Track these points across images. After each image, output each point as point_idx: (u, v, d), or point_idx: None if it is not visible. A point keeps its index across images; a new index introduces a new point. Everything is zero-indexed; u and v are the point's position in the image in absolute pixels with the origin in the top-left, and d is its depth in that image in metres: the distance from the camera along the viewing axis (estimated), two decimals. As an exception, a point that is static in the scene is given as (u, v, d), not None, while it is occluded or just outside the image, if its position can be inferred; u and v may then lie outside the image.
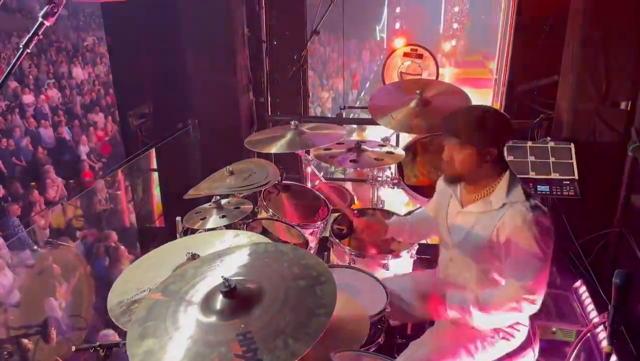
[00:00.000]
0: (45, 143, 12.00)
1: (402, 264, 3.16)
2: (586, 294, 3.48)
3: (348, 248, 3.14)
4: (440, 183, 2.61)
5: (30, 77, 14.03)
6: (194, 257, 1.92)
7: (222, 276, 1.59)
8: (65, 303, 4.95)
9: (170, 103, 4.87)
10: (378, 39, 17.62)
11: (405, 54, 4.41)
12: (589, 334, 3.14)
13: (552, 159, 3.57)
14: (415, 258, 3.21)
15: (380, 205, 3.75)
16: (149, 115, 5.06)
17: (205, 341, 1.50)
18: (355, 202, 3.85)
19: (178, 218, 2.83)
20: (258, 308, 1.56)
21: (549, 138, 3.79)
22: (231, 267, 1.76)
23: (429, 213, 2.76)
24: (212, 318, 1.56)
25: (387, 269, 3.08)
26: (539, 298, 2.18)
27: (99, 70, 15.33)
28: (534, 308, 2.20)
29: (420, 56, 4.39)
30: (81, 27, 17.61)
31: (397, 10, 15.85)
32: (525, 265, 2.16)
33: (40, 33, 1.46)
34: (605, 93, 3.63)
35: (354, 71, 16.46)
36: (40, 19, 1.45)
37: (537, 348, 2.61)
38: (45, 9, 1.46)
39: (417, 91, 3.61)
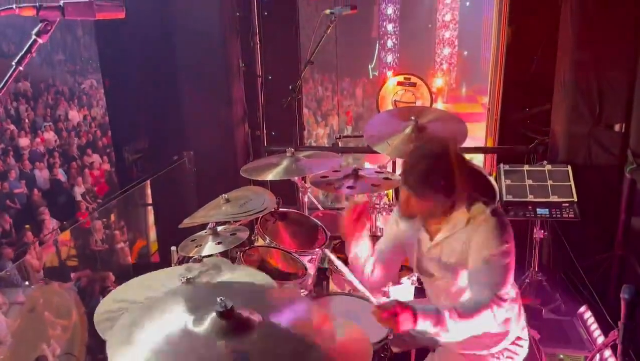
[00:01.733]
0: (40, 186, 11.95)
1: (403, 291, 3.09)
2: (592, 319, 3.41)
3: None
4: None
5: (27, 120, 14.12)
6: (188, 281, 1.86)
7: (219, 298, 1.53)
8: (58, 341, 4.81)
9: (166, 137, 4.88)
10: (371, 77, 17.91)
11: (399, 83, 4.46)
12: (597, 356, 3.07)
13: (550, 182, 3.56)
14: (416, 285, 3.15)
15: (379, 233, 3.70)
16: (144, 150, 5.05)
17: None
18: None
19: (173, 248, 2.78)
20: (255, 333, 1.49)
21: (545, 162, 3.79)
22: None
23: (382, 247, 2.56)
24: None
25: (388, 296, 3.02)
26: (506, 296, 2.11)
27: (95, 113, 15.45)
28: (503, 310, 2.11)
29: (413, 84, 4.43)
30: (78, 72, 17.84)
31: (389, 44, 16.22)
32: (493, 269, 2.11)
33: (33, 51, 1.45)
34: (598, 115, 3.65)
35: (348, 108, 16.65)
36: (33, 37, 1.44)
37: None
38: (38, 27, 1.45)
39: (412, 117, 3.61)
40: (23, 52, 1.47)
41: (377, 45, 18.20)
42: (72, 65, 18.06)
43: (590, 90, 3.63)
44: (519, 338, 2.38)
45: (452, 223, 2.20)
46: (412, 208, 2.17)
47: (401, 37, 17.47)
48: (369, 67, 18.34)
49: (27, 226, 10.28)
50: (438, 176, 2.07)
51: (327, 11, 3.48)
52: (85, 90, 16.65)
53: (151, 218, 5.84)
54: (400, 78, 4.47)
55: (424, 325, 2.05)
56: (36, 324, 4.74)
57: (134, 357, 1.40)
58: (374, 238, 3.49)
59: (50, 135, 13.81)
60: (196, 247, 2.58)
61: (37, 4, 1.45)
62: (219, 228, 2.72)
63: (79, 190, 11.96)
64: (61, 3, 1.47)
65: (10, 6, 1.41)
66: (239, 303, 1.58)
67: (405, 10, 17.61)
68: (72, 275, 8.04)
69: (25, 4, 1.44)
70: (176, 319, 1.56)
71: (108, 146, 13.43)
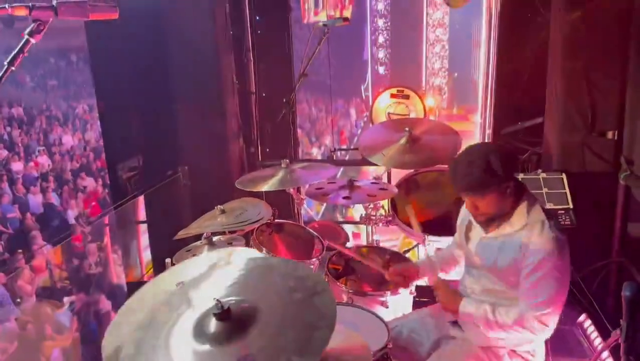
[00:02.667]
0: (33, 210, 11.87)
1: (401, 301, 3.05)
2: (592, 328, 3.37)
3: (345, 286, 3.04)
4: (461, 214, 2.61)
5: (20, 145, 14.10)
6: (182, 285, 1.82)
7: (214, 298, 1.50)
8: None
9: (161, 154, 4.87)
10: (364, 97, 18.06)
11: (392, 95, 4.49)
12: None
13: (545, 190, 3.56)
14: (415, 295, 3.11)
15: (375, 243, 3.68)
16: (138, 168, 5.03)
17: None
18: (350, 240, 3.78)
19: (167, 260, 2.74)
20: (255, 328, 1.47)
21: (540, 170, 3.79)
22: (221, 287, 1.66)
23: (455, 250, 2.75)
24: (207, 346, 1.46)
25: (387, 307, 2.98)
26: (551, 319, 2.17)
27: (89, 136, 15.45)
28: (546, 330, 2.19)
29: (407, 97, 4.46)
30: (72, 96, 17.89)
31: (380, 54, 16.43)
32: (540, 283, 2.16)
33: (26, 50, 1.44)
34: (591, 124, 3.68)
35: (342, 128, 16.74)
36: (26, 36, 1.44)
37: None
38: (31, 27, 1.45)
39: (406, 128, 3.64)
40: (15, 51, 1.46)
41: (369, 67, 18.43)
42: (65, 90, 18.12)
43: (582, 98, 3.66)
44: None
45: (510, 223, 2.27)
46: (484, 212, 2.27)
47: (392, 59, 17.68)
48: (362, 87, 18.51)
49: (20, 251, 10.17)
50: (492, 171, 2.16)
51: (320, 23, 3.52)
52: (79, 114, 16.68)
53: (145, 236, 5.79)
54: (394, 90, 4.50)
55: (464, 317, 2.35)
56: (31, 343, 4.65)
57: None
58: (372, 248, 3.50)
59: (43, 160, 13.79)
60: (192, 256, 2.54)
61: (30, 4, 1.45)
62: (215, 238, 2.70)
63: (72, 214, 11.89)
64: (54, 3, 1.47)
65: (3, 5, 1.40)
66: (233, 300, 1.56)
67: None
68: (65, 299, 7.93)
69: (18, 4, 1.44)
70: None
71: (102, 169, 13.40)
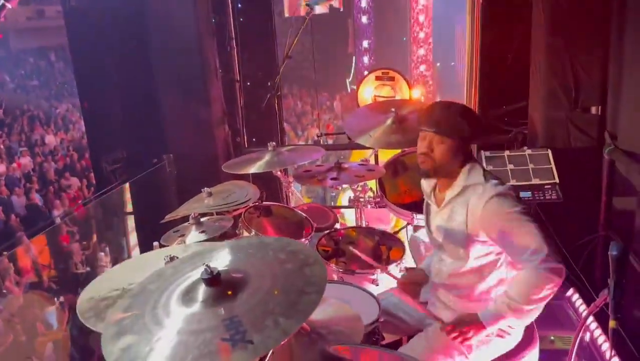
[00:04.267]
0: (17, 211, 11.71)
1: (391, 279, 3.05)
2: (580, 301, 3.41)
3: (335, 266, 3.04)
4: (424, 190, 2.57)
5: (2, 147, 13.89)
6: (172, 259, 1.80)
7: (204, 264, 1.49)
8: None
9: (146, 143, 4.82)
10: (349, 90, 18.05)
11: (377, 78, 4.48)
12: (587, 336, 3.06)
13: (531, 165, 3.58)
14: (405, 271, 3.11)
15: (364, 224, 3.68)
16: (123, 160, 4.98)
17: (188, 331, 1.38)
18: (339, 221, 3.77)
19: (155, 243, 2.71)
20: (244, 294, 1.46)
21: (525, 147, 3.82)
22: (212, 259, 1.65)
23: None
24: (195, 308, 1.44)
25: (377, 284, 2.98)
26: (554, 255, 2.09)
27: (71, 136, 15.27)
28: (559, 267, 2.09)
29: (392, 78, 4.46)
30: (53, 96, 17.66)
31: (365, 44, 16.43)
32: (518, 235, 2.12)
33: (2, 15, 1.41)
34: (575, 99, 3.71)
35: (328, 121, 16.72)
36: (2, 1, 1.40)
37: (537, 349, 2.51)
38: (6, -8, 1.41)
39: (392, 109, 3.63)
40: (-8, 17, 1.42)
41: (354, 59, 18.42)
42: (46, 90, 17.89)
43: (565, 75, 3.68)
44: None
45: (452, 188, 2.29)
46: (433, 158, 2.25)
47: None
48: (347, 81, 18.49)
49: (5, 253, 10.01)
50: (465, 121, 2.21)
51: (303, 3, 3.49)
52: (61, 114, 16.48)
53: (134, 235, 5.73)
54: (379, 73, 4.49)
55: (495, 328, 2.24)
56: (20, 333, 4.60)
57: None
58: (361, 230, 3.50)
59: (26, 160, 13.60)
60: (179, 237, 2.52)
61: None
62: (202, 219, 2.67)
63: (57, 214, 11.75)
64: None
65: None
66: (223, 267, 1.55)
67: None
68: (55, 299, 7.84)
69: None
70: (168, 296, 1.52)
71: (87, 169, 13.25)
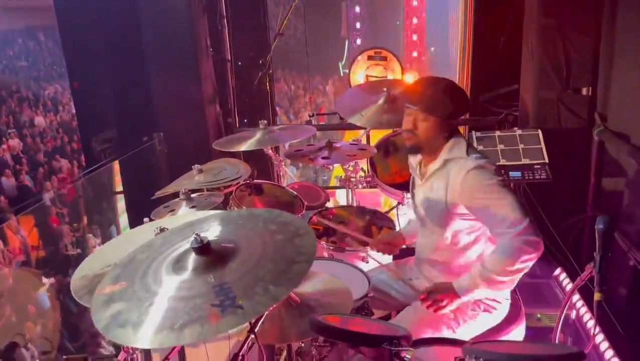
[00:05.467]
0: (7, 193, 11.62)
1: (381, 256, 3.08)
2: (567, 280, 3.45)
3: (326, 243, 3.06)
4: (410, 164, 2.59)
5: (-10, 128, 13.74)
6: (162, 231, 1.80)
7: (194, 233, 1.49)
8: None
9: (136, 122, 4.79)
10: (342, 74, 17.99)
11: (370, 57, 4.46)
12: (573, 314, 3.11)
13: (521, 146, 3.60)
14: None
15: (356, 203, 3.69)
16: (113, 139, 4.94)
17: (178, 298, 1.38)
18: (330, 200, 3.78)
19: (146, 219, 2.69)
20: (234, 262, 1.46)
21: (516, 128, 3.84)
22: (203, 230, 1.65)
23: None
24: (185, 276, 1.45)
25: (367, 262, 3.00)
26: (532, 228, 2.11)
27: (61, 118, 15.11)
28: (536, 240, 2.10)
29: (384, 58, 4.44)
30: (42, 77, 17.43)
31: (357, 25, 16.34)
32: (496, 207, 2.13)
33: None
34: (566, 80, 3.72)
35: (320, 105, 16.67)
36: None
37: (523, 325, 2.54)
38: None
39: (384, 88, 3.62)
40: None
41: (347, 43, 18.32)
42: (35, 71, 17.65)
43: (557, 54, 3.69)
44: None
45: (435, 162, 2.30)
46: (418, 135, 2.26)
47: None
48: (340, 64, 18.40)
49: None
50: (448, 98, 2.20)
51: (295, -19, 3.46)
52: (50, 95, 16.29)
53: (125, 216, 5.70)
54: (371, 52, 4.47)
55: (469, 297, 2.25)
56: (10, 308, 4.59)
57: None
58: (352, 209, 3.52)
59: (15, 142, 13.46)
60: (170, 212, 2.51)
61: None
62: (193, 195, 2.66)
63: (47, 196, 11.67)
64: None
65: None
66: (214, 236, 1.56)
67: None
68: (44, 280, 7.82)
69: None
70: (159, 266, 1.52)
71: (77, 151, 13.16)
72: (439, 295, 2.25)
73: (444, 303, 2.24)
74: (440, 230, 2.34)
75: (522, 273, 2.17)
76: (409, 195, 3.41)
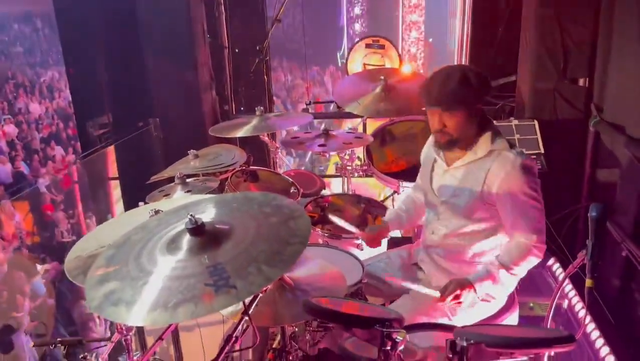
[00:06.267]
0: (2, 180, 11.59)
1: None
2: (560, 270, 3.47)
3: (321, 230, 3.06)
4: (424, 153, 2.60)
5: (-15, 114, 13.68)
6: (157, 213, 1.80)
7: (189, 214, 1.49)
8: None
9: (132, 108, 4.77)
10: (340, 64, 17.93)
11: (367, 45, 4.44)
12: (565, 303, 3.13)
13: (517, 136, 3.61)
14: (389, 237, 3.15)
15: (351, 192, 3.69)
16: (109, 125, 4.92)
17: (172, 277, 1.39)
18: (326, 188, 3.78)
19: (141, 203, 2.69)
20: (228, 243, 1.47)
21: (512, 118, 3.84)
22: (198, 212, 1.65)
23: (417, 195, 2.71)
24: (179, 256, 1.45)
25: (361, 249, 3.01)
26: (544, 239, 2.22)
27: (57, 105, 15.04)
28: (544, 248, 2.23)
29: (382, 46, 4.42)
30: (38, 64, 17.31)
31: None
32: (529, 211, 2.18)
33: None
34: (563, 70, 3.71)
35: (318, 95, 16.63)
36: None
37: (516, 313, 2.57)
38: None
39: (381, 77, 3.62)
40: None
41: (345, 34, 18.25)
42: (31, 57, 17.53)
43: (555, 45, 3.68)
44: None
45: (473, 152, 2.27)
46: (449, 132, 2.23)
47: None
48: (338, 55, 18.34)
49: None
50: (466, 88, 2.15)
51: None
52: (47, 82, 16.19)
53: (120, 203, 5.70)
54: (369, 40, 4.45)
55: (483, 289, 2.25)
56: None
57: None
58: (347, 197, 3.52)
59: (10, 129, 13.40)
60: (165, 196, 2.51)
61: None
62: (188, 180, 2.66)
63: (43, 183, 11.65)
64: None
65: None
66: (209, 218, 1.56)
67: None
68: (39, 267, 7.83)
69: None
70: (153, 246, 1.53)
71: (73, 138, 13.11)
72: (456, 288, 2.25)
73: (462, 296, 2.25)
74: (463, 217, 2.33)
75: (520, 276, 2.30)
76: (405, 183, 3.45)
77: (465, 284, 2.25)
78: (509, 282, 2.31)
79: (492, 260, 2.29)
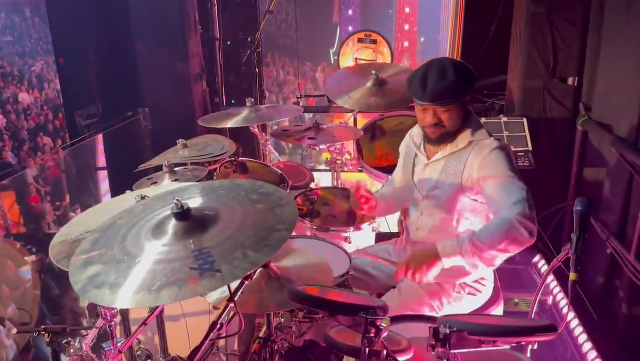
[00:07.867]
0: (-12, 169, 11.45)
1: (364, 237, 3.10)
2: (546, 267, 3.50)
3: (310, 223, 3.06)
4: (403, 147, 2.59)
5: (-27, 103, 13.49)
6: (143, 198, 1.79)
7: (175, 198, 1.48)
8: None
9: (121, 98, 4.73)
10: (332, 61, 17.93)
11: (359, 40, 4.44)
12: (550, 300, 3.16)
13: (505, 133, 3.63)
14: (377, 231, 3.16)
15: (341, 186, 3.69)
16: (98, 115, 4.88)
17: (157, 261, 1.38)
18: (315, 180, 3.78)
19: (128, 191, 2.68)
20: (215, 228, 1.46)
21: (501, 115, 3.86)
22: (184, 198, 1.64)
23: (396, 185, 2.68)
24: (165, 240, 1.45)
25: (349, 242, 3.01)
26: (534, 225, 2.03)
27: (46, 95, 14.87)
28: (532, 236, 2.01)
29: (374, 41, 4.42)
30: (27, 53, 17.09)
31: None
32: (508, 186, 2.10)
33: None
34: (552, 68, 3.74)
35: (309, 91, 16.63)
36: None
37: (501, 307, 2.59)
38: None
39: (373, 71, 3.62)
40: None
41: (338, 30, 18.23)
42: (20, 46, 17.30)
43: (545, 43, 3.71)
44: (482, 278, 2.41)
45: (454, 143, 2.26)
46: (444, 125, 2.22)
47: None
48: (330, 51, 18.33)
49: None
50: (460, 82, 2.14)
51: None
52: (36, 72, 16.00)
53: (104, 183, 5.65)
54: (361, 35, 4.44)
55: (452, 262, 2.07)
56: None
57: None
58: (336, 190, 3.52)
59: (-2, 118, 13.24)
60: (152, 183, 2.50)
61: None
62: (176, 168, 2.65)
63: (30, 173, 11.52)
64: None
65: None
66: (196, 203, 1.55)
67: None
68: (26, 258, 7.75)
69: None
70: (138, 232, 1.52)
71: (61, 129, 12.98)
72: (419, 260, 2.08)
73: (425, 268, 2.06)
74: (445, 210, 2.32)
75: (503, 257, 2.07)
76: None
77: (431, 256, 2.08)
78: (480, 261, 2.06)
79: (467, 233, 2.10)
